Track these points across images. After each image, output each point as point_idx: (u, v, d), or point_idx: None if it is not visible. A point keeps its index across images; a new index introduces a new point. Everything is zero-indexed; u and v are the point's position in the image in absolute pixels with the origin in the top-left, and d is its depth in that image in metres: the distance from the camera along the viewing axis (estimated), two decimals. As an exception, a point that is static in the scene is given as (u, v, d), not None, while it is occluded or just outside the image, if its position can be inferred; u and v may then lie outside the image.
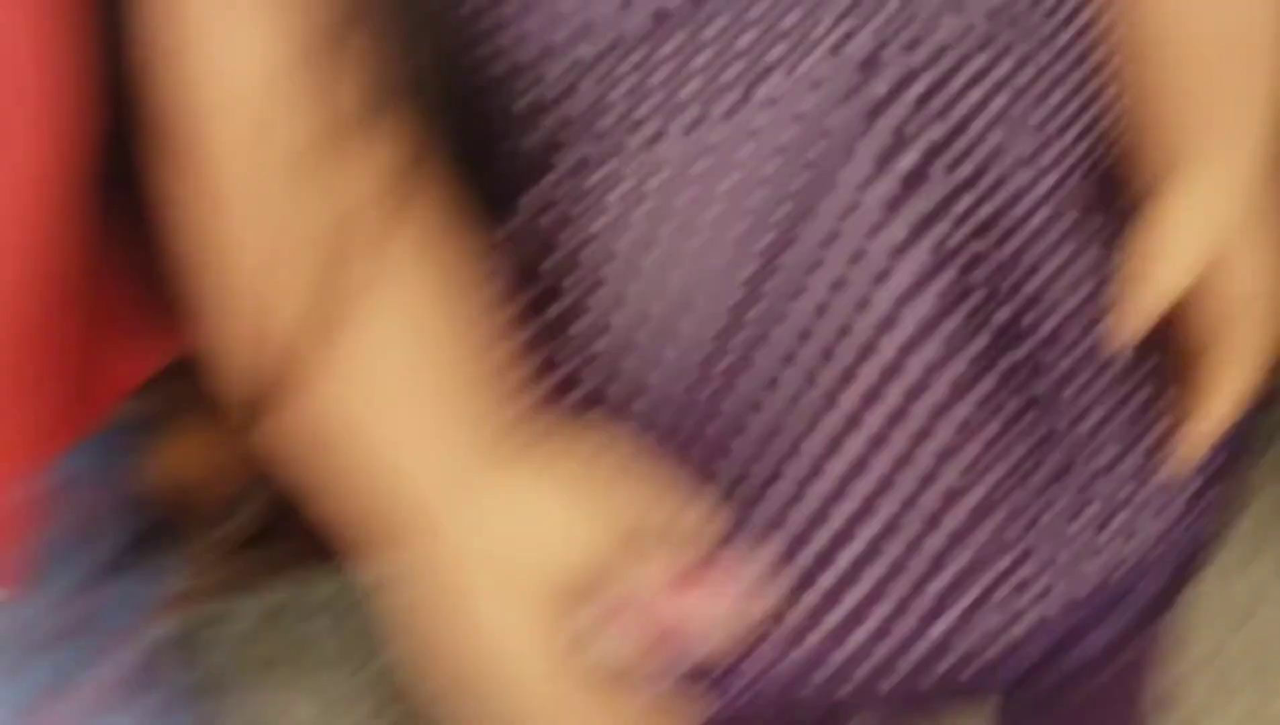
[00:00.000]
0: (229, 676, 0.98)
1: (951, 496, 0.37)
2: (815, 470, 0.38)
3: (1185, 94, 0.38)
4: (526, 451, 0.35)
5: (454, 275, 0.35)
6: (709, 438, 0.38)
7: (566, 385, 0.38)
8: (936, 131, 0.35)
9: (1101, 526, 0.40)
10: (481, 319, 0.36)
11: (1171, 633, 0.51)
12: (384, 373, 0.33)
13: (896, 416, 0.37)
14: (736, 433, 0.38)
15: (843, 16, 0.34)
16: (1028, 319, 0.38)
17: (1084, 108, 0.38)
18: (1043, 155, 0.37)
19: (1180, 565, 0.42)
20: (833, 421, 0.37)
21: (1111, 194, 0.40)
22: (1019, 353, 0.38)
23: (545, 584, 0.33)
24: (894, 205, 0.35)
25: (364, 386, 0.33)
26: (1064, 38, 0.37)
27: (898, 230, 0.35)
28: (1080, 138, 0.38)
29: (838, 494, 0.38)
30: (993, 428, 0.38)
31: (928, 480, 0.37)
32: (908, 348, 0.36)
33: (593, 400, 0.38)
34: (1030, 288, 0.37)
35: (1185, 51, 0.38)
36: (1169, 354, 0.42)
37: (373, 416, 0.34)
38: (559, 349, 0.38)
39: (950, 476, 0.37)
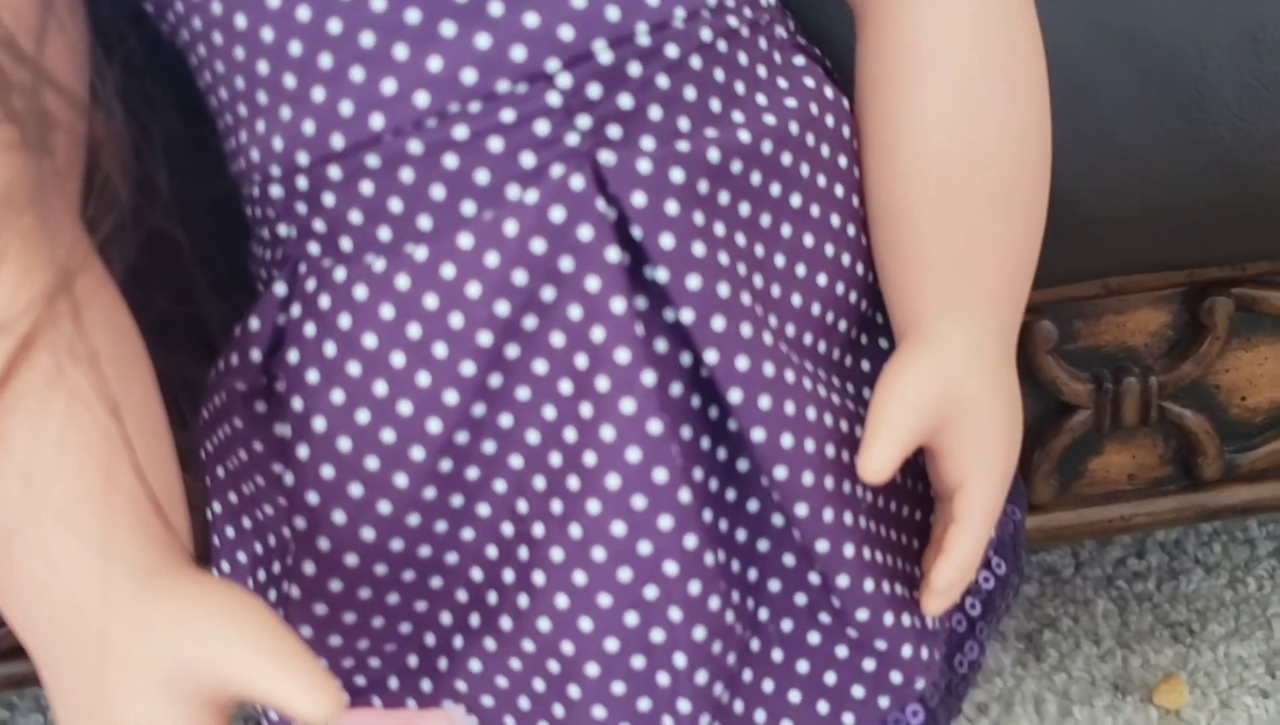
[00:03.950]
0: None
1: (676, 634, 0.36)
2: (540, 608, 0.37)
3: (917, 263, 0.39)
4: (188, 571, 0.33)
5: (134, 386, 0.34)
6: (426, 590, 0.38)
7: (274, 523, 0.37)
8: (678, 258, 0.34)
9: (843, 668, 0.40)
10: (158, 440, 0.35)
11: None
12: (40, 479, 0.31)
13: (622, 552, 0.36)
14: (457, 582, 0.37)
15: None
16: (755, 458, 0.37)
17: (823, 270, 0.39)
18: (783, 301, 0.37)
19: (931, 713, 0.42)
20: (557, 557, 0.36)
21: (850, 353, 0.41)
22: (745, 488, 0.38)
23: (197, 695, 0.30)
24: (627, 324, 0.34)
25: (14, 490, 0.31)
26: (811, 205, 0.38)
27: (624, 353, 0.34)
28: (818, 296, 0.39)
29: (562, 632, 0.37)
30: (720, 557, 0.37)
31: (653, 617, 0.36)
32: (632, 483, 0.35)
33: (302, 552, 0.36)
34: (757, 436, 0.36)
35: (917, 229, 0.39)
36: (916, 507, 0.42)
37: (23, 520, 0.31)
38: (267, 492, 0.38)
39: (675, 614, 0.36)
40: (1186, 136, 0.66)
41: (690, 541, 0.36)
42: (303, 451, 0.36)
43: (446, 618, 0.38)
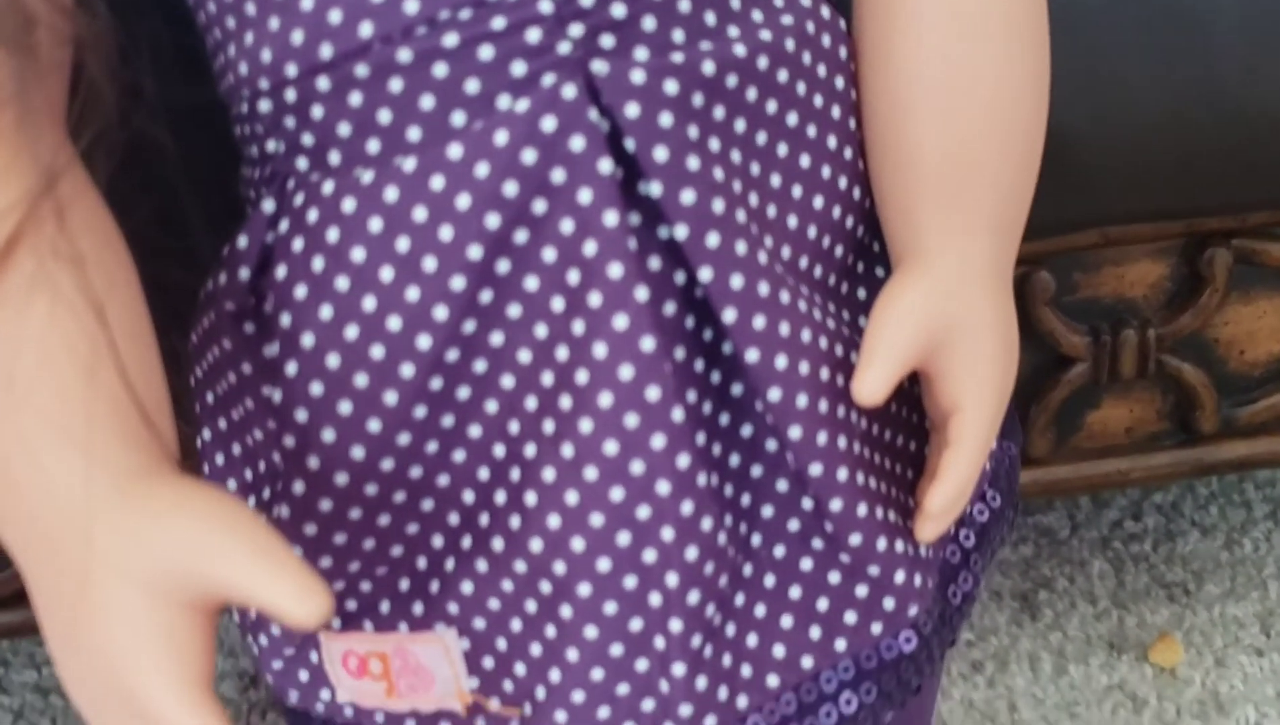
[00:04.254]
0: None
1: (669, 554, 0.36)
2: (531, 528, 0.36)
3: (914, 188, 0.39)
4: (172, 476, 0.32)
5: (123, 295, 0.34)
6: (418, 512, 0.37)
7: (264, 448, 0.37)
8: (672, 171, 0.34)
9: (835, 594, 0.39)
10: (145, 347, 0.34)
11: (922, 714, 0.49)
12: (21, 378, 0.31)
13: (614, 470, 0.35)
14: (448, 504, 0.37)
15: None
16: (748, 381, 0.36)
17: (819, 191, 0.38)
18: (779, 222, 0.37)
19: (924, 640, 0.41)
20: (549, 477, 0.36)
21: (846, 280, 0.40)
22: (739, 413, 0.37)
23: (182, 597, 0.30)
24: (620, 237, 0.34)
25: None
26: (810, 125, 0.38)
27: (616, 268, 0.34)
28: (814, 219, 0.38)
29: (554, 552, 0.36)
30: (712, 480, 0.37)
31: (645, 537, 0.36)
32: (625, 401, 0.35)
33: (291, 472, 0.36)
34: (751, 357, 0.35)
35: (915, 154, 0.38)
36: (910, 435, 0.41)
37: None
38: (257, 416, 0.37)
39: (667, 534, 0.36)
40: (1190, 83, 0.65)
41: (683, 461, 0.35)
42: (291, 368, 0.36)
43: (438, 540, 0.38)
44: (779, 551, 0.39)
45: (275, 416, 0.37)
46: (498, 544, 0.37)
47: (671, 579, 0.36)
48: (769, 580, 0.39)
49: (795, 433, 0.37)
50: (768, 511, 0.39)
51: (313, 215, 0.36)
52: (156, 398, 0.33)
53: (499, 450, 0.37)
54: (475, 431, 0.36)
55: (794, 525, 0.39)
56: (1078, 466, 0.79)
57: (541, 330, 0.35)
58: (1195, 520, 1.04)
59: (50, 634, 0.31)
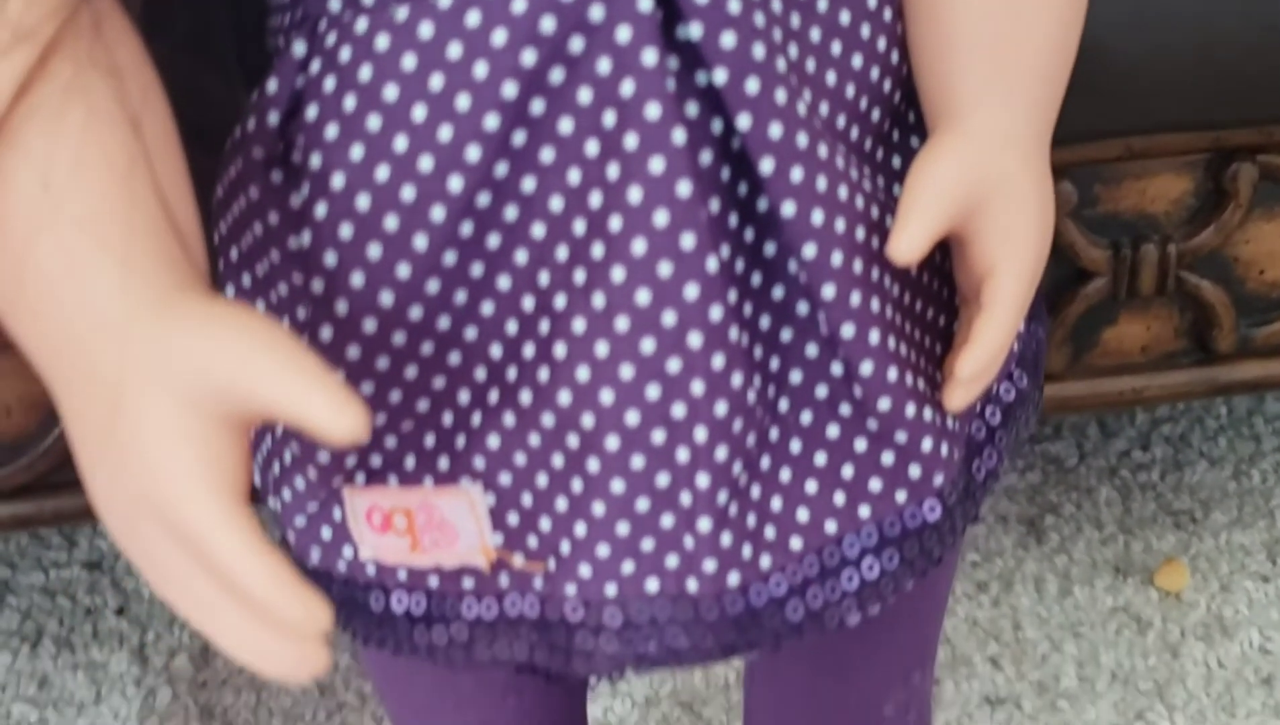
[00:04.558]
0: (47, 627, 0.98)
1: (698, 409, 0.36)
2: (560, 381, 0.36)
3: (954, 49, 0.38)
4: (207, 294, 0.32)
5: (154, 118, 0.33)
6: (444, 365, 0.37)
7: (289, 304, 0.36)
8: (713, 13, 0.33)
9: (861, 461, 0.39)
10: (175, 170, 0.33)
11: (940, 592, 0.49)
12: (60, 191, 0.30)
13: (646, 321, 0.35)
14: (475, 359, 0.37)
15: None
16: (783, 238, 0.36)
17: (858, 50, 0.38)
18: (818, 77, 0.36)
19: (948, 511, 0.41)
20: (578, 328, 0.35)
21: (881, 146, 0.40)
22: (771, 273, 0.37)
23: (216, 410, 0.29)
24: (658, 78, 0.33)
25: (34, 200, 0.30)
26: None
27: (654, 109, 0.33)
28: (853, 78, 0.38)
29: (582, 405, 0.36)
30: (743, 340, 0.36)
31: (674, 390, 0.35)
32: (659, 248, 0.34)
33: (318, 318, 0.35)
34: (787, 210, 0.35)
35: (955, 14, 0.38)
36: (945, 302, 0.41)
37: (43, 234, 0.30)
38: (282, 270, 0.36)
39: (697, 388, 0.36)
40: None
41: (716, 313, 0.35)
42: (320, 210, 0.35)
43: (464, 396, 0.38)
44: (806, 417, 0.39)
45: (301, 266, 0.36)
46: (525, 397, 0.37)
47: (700, 434, 0.36)
48: (795, 446, 0.39)
49: (829, 292, 0.36)
50: (796, 377, 0.38)
51: (345, 54, 0.35)
52: (189, 218, 0.33)
53: (528, 302, 0.36)
54: (504, 282, 0.36)
55: (822, 391, 0.39)
56: (1093, 383, 0.79)
57: (574, 175, 0.35)
58: (1203, 451, 1.04)
59: (83, 454, 0.31)
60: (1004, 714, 0.86)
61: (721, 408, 0.36)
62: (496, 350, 0.37)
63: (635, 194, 0.34)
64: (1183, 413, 1.06)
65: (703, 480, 0.37)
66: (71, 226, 0.30)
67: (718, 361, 0.36)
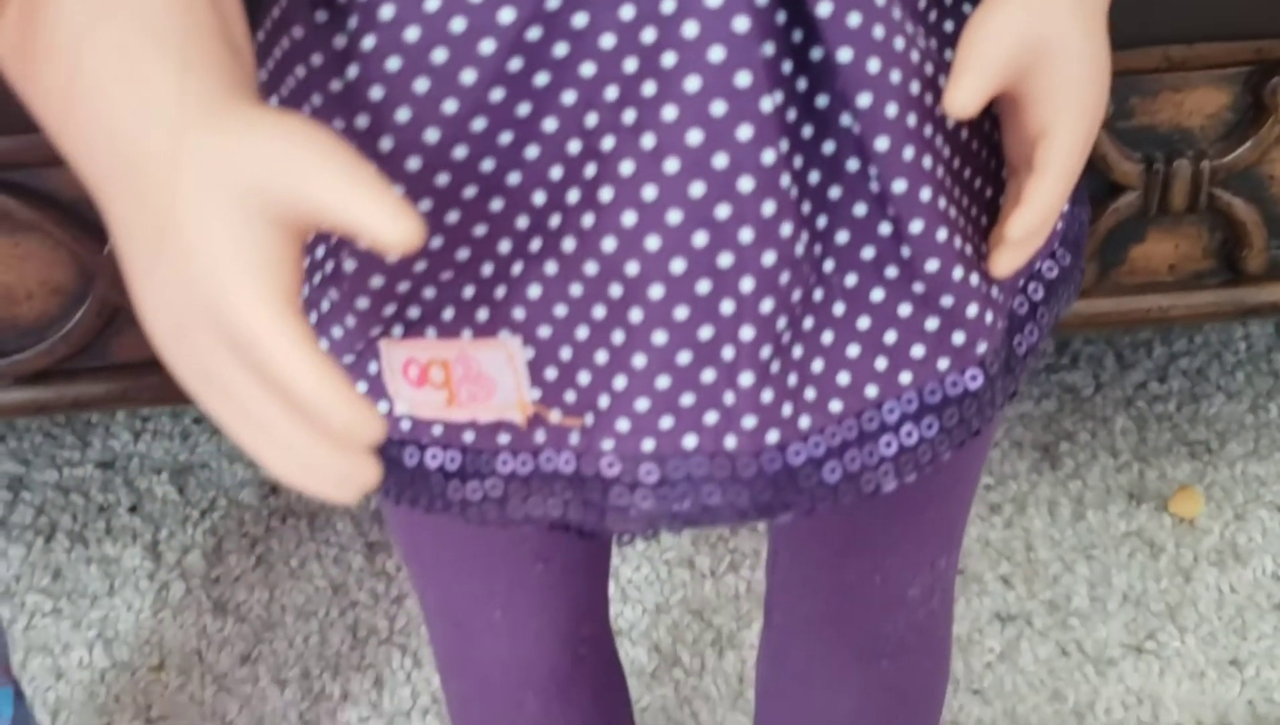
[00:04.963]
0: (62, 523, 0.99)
1: (745, 258, 0.35)
2: (605, 226, 0.35)
3: None
4: (261, 104, 0.31)
5: None
6: (486, 213, 0.36)
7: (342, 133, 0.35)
8: None
9: (904, 326, 0.39)
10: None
11: (970, 474, 0.49)
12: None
13: (696, 163, 0.34)
14: (518, 207, 0.36)
15: None
16: (837, 87, 0.35)
17: None
18: None
19: (989, 380, 0.40)
20: (626, 171, 0.35)
21: (936, 9, 0.39)
22: (822, 127, 0.36)
23: (271, 214, 0.29)
24: None
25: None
26: None
27: None
28: None
29: (627, 252, 0.35)
30: (793, 191, 0.36)
31: (722, 238, 0.35)
32: (713, 86, 0.33)
33: (363, 152, 0.34)
34: (843, 56, 0.34)
35: None
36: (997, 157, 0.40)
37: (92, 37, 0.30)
38: (324, 113, 0.36)
39: (746, 236, 0.35)
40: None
41: (768, 156, 0.35)
42: (368, 43, 0.35)
43: (505, 246, 0.37)
44: (850, 280, 0.38)
45: (345, 108, 0.36)
46: (568, 244, 0.37)
47: (746, 284, 0.36)
48: (838, 308, 0.38)
49: (882, 144, 0.36)
50: (842, 237, 0.38)
51: None
52: (242, 31, 0.32)
53: (574, 146, 0.36)
54: (551, 125, 0.36)
55: (868, 253, 0.38)
56: (1119, 301, 0.78)
57: (628, 10, 0.34)
58: (1220, 385, 1.03)
59: (132, 267, 0.31)
60: (1014, 630, 0.86)
61: (769, 257, 0.36)
62: (539, 197, 0.36)
63: (691, 28, 0.33)
64: (1201, 347, 1.06)
65: (747, 333, 0.36)
66: (129, 23, 0.29)
67: (768, 208, 0.35)
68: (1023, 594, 0.88)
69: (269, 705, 0.84)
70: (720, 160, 0.34)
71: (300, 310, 0.29)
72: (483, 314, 0.38)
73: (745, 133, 0.34)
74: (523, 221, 0.37)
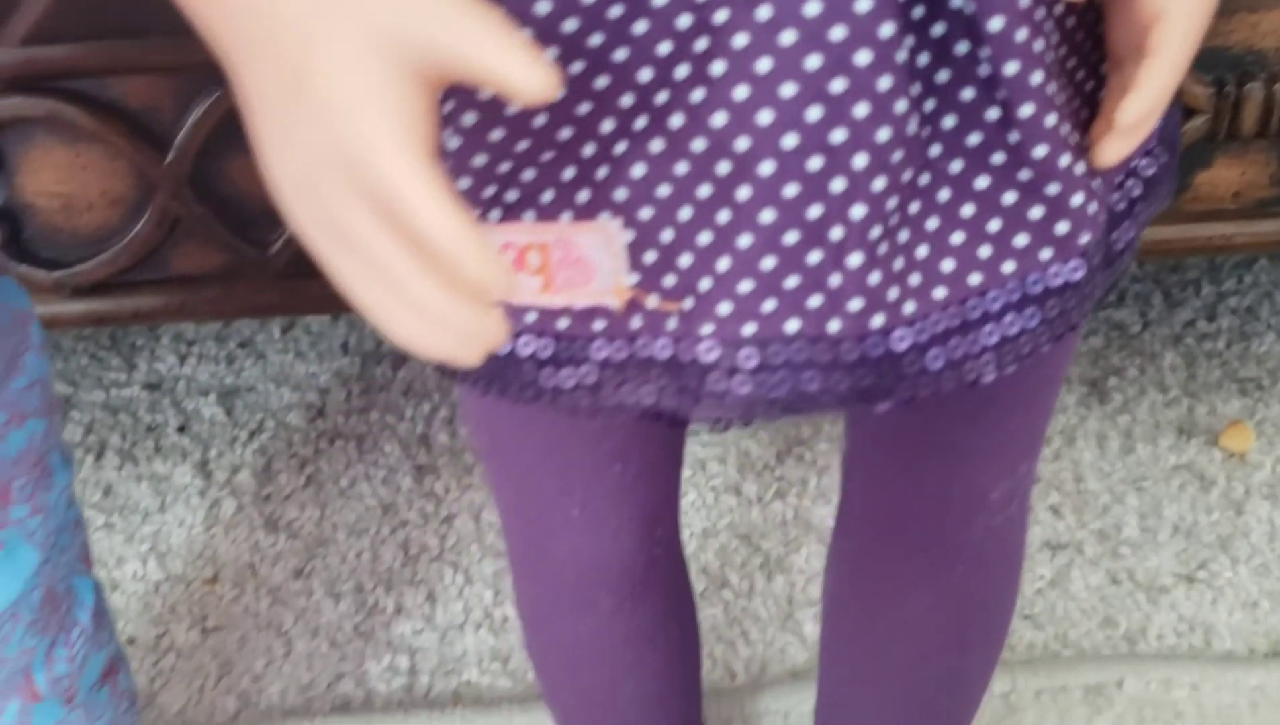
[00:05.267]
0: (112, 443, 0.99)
1: (859, 134, 0.35)
2: (716, 101, 0.35)
3: None
4: None
5: None
6: (590, 90, 0.36)
7: None
8: None
9: (1009, 214, 0.38)
10: None
11: (1055, 376, 0.49)
12: None
13: (813, 35, 0.34)
14: (623, 85, 0.35)
15: None
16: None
17: None
18: None
19: (1090, 272, 0.40)
20: (739, 43, 0.34)
21: None
22: (933, 8, 0.36)
23: (408, 64, 0.29)
24: None
25: None
26: None
27: None
28: None
29: (738, 127, 0.35)
30: (912, 90, 0.35)
31: (837, 114, 0.34)
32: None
33: None
34: None
35: None
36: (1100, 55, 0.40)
37: None
38: None
39: (861, 110, 0.34)
40: None
41: (886, 30, 0.34)
42: None
43: (608, 125, 0.37)
44: (956, 166, 0.38)
45: None
46: (676, 121, 0.36)
47: (859, 161, 0.35)
48: (944, 194, 0.38)
49: (996, 24, 0.35)
50: (949, 121, 0.38)
51: None
52: None
53: (684, 20, 0.35)
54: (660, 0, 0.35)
55: (975, 139, 0.38)
56: (1183, 228, 0.78)
57: None
58: (1271, 324, 1.03)
59: (261, 120, 0.30)
60: (1064, 558, 0.86)
61: (884, 134, 0.35)
62: (646, 74, 0.36)
63: None
64: (1250, 286, 1.05)
65: (857, 212, 0.36)
66: None
67: (884, 83, 0.35)
68: (1072, 524, 0.88)
69: (324, 617, 0.85)
70: (838, 32, 0.34)
71: (437, 160, 0.29)
72: (583, 196, 0.38)
73: (864, 4, 0.34)
74: (627, 99, 0.36)
